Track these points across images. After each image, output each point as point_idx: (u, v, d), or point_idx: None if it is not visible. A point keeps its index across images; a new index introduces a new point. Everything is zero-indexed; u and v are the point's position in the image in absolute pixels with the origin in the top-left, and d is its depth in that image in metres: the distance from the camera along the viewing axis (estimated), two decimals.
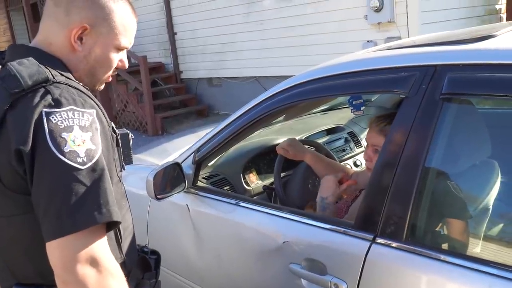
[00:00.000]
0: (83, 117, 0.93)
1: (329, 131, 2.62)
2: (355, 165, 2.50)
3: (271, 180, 2.20)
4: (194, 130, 3.12)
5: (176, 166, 1.72)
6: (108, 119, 1.05)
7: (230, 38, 6.96)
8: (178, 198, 1.80)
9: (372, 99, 2.51)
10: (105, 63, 1.09)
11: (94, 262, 0.89)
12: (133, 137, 1.24)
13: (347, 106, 2.25)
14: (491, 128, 1.38)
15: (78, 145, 0.90)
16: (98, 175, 0.91)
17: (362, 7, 5.31)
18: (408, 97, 1.22)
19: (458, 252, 1.21)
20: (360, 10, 5.34)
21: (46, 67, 0.97)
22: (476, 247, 1.24)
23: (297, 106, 1.80)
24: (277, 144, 2.07)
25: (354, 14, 5.41)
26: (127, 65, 1.16)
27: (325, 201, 1.66)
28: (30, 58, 0.97)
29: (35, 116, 0.90)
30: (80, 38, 1.04)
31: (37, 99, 0.92)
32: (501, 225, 1.33)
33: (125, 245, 1.13)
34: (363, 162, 2.37)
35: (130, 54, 6.76)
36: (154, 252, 1.30)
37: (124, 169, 1.16)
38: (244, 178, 2.18)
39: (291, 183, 2.11)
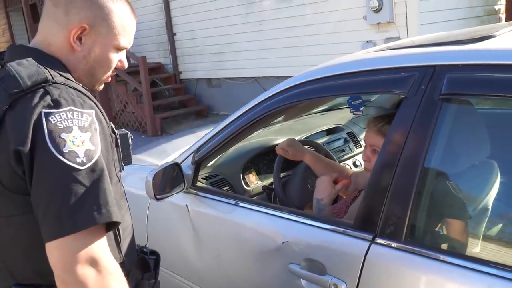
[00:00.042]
0: (82, 117, 0.93)
1: (329, 132, 2.62)
2: (355, 165, 2.50)
3: (271, 180, 2.20)
4: (194, 131, 3.12)
5: (175, 167, 1.72)
6: (107, 120, 1.05)
7: (229, 38, 6.96)
8: (178, 198, 1.80)
9: (372, 100, 2.51)
10: (104, 63, 1.09)
11: (94, 263, 0.89)
12: (132, 137, 1.24)
13: (347, 106, 2.26)
14: (490, 128, 1.38)
15: (78, 146, 0.90)
16: (97, 175, 0.91)
17: (361, 8, 5.31)
18: (407, 97, 1.22)
19: (458, 252, 1.21)
20: (359, 11, 5.35)
21: (45, 68, 0.97)
22: (476, 247, 1.24)
23: (296, 106, 1.81)
24: (277, 145, 2.07)
25: (354, 15, 5.42)
26: (126, 65, 1.16)
27: (321, 202, 1.66)
28: (29, 59, 0.97)
29: (34, 116, 0.90)
30: (79, 38, 1.04)
31: (36, 99, 0.92)
32: (500, 225, 1.34)
33: (124, 246, 1.13)
34: (363, 162, 2.37)
35: (129, 55, 6.76)
36: (153, 253, 1.30)
37: (123, 170, 1.16)
38: (244, 178, 2.18)
39: (290, 183, 2.11)
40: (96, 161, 0.92)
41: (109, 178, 0.95)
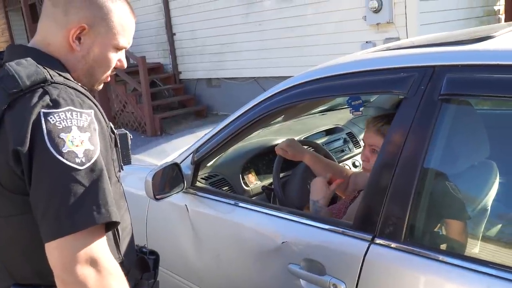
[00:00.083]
0: (81, 117, 0.93)
1: (328, 132, 2.62)
2: (354, 165, 2.50)
3: (270, 180, 2.20)
4: (193, 131, 3.12)
5: (175, 167, 1.72)
6: (106, 120, 1.05)
7: (229, 38, 6.96)
8: (177, 198, 1.79)
9: (371, 100, 2.51)
10: (103, 63, 1.09)
11: (93, 263, 0.89)
12: (131, 137, 1.24)
13: (346, 106, 2.26)
14: (490, 129, 1.38)
15: (77, 146, 0.90)
16: (96, 175, 0.91)
17: (361, 8, 5.31)
18: (406, 97, 1.22)
19: (457, 252, 1.21)
20: (359, 11, 5.35)
21: (44, 68, 0.97)
22: (475, 248, 1.24)
23: (296, 106, 1.81)
24: (276, 145, 2.07)
25: (353, 15, 5.42)
26: (125, 65, 1.16)
27: (317, 204, 1.65)
28: (29, 59, 0.97)
29: (33, 116, 0.90)
30: (79, 38, 1.04)
31: (35, 99, 0.92)
32: (499, 226, 1.34)
33: (123, 246, 1.13)
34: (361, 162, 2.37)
35: (129, 55, 6.76)
36: (152, 253, 1.30)
37: (122, 170, 1.16)
38: (243, 178, 2.19)
39: (290, 183, 2.11)
40: (95, 161, 0.92)
41: (108, 178, 0.95)
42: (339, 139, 2.58)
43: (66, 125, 0.91)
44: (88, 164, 0.90)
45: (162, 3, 7.74)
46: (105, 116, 1.04)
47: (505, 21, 5.75)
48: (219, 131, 1.73)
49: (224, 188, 2.06)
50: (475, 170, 1.36)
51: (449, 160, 1.28)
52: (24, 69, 0.94)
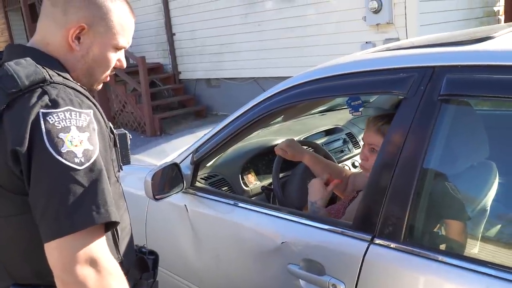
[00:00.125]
0: (80, 117, 0.93)
1: (328, 132, 2.62)
2: (353, 166, 2.50)
3: (270, 180, 2.20)
4: (193, 131, 3.12)
5: (174, 167, 1.72)
6: (105, 119, 1.05)
7: (228, 39, 6.96)
8: (177, 198, 1.79)
9: (371, 100, 2.51)
10: (103, 62, 1.09)
11: (93, 263, 0.89)
12: (131, 137, 1.24)
13: (346, 107, 2.26)
14: (489, 129, 1.39)
15: (76, 146, 0.90)
16: (95, 175, 0.91)
17: (360, 9, 5.31)
18: (406, 98, 1.22)
19: (456, 253, 1.21)
20: (358, 12, 5.35)
21: (43, 67, 0.97)
22: (474, 248, 1.24)
23: (295, 107, 1.81)
24: (276, 145, 2.07)
25: (353, 16, 5.42)
26: (125, 65, 1.15)
27: (314, 205, 1.65)
28: (28, 58, 0.97)
29: (32, 116, 0.90)
30: (78, 38, 1.04)
31: (34, 99, 0.91)
32: (498, 226, 1.34)
33: (122, 246, 1.13)
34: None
35: (128, 55, 6.76)
36: (152, 253, 1.30)
37: (122, 170, 1.16)
38: (243, 178, 2.19)
39: (289, 183, 2.11)
40: (95, 161, 0.92)
41: (107, 178, 0.95)
42: (338, 139, 2.58)
43: (65, 125, 0.91)
44: (87, 164, 0.90)
45: (162, 3, 7.73)
46: (104, 116, 1.04)
47: (505, 22, 5.76)
48: (218, 131, 1.73)
49: (223, 188, 2.06)
50: (475, 171, 1.36)
51: (448, 161, 1.28)
52: (23, 69, 0.94)
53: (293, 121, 2.63)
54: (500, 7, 5.84)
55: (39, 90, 0.93)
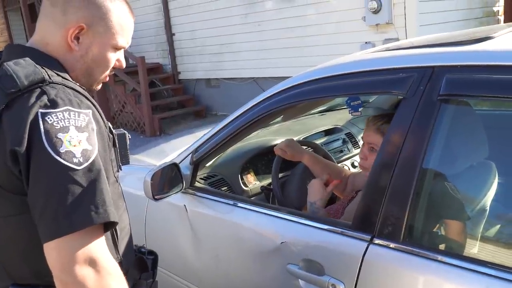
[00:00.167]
0: (79, 117, 0.93)
1: (327, 132, 2.62)
2: (353, 166, 2.50)
3: (269, 180, 2.20)
4: (192, 131, 3.12)
5: (173, 167, 1.72)
6: (105, 119, 1.05)
7: (228, 39, 6.96)
8: (176, 198, 1.79)
9: (370, 100, 2.51)
10: (102, 62, 1.09)
11: (92, 263, 0.89)
12: (130, 137, 1.24)
13: (345, 107, 2.26)
14: (489, 129, 1.39)
15: (74, 146, 0.90)
16: (94, 175, 0.91)
17: (360, 9, 5.32)
18: (406, 98, 1.22)
19: (456, 253, 1.21)
20: (358, 12, 5.35)
21: (42, 67, 0.96)
22: (474, 248, 1.24)
23: (295, 107, 1.80)
24: (275, 145, 2.07)
25: (353, 16, 5.42)
26: (124, 65, 1.15)
27: (314, 205, 1.65)
28: (27, 58, 0.97)
29: (31, 116, 0.89)
30: (77, 38, 1.04)
31: (33, 99, 0.91)
32: (498, 226, 1.34)
33: (121, 246, 1.13)
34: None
35: (128, 55, 6.75)
36: (151, 253, 1.30)
37: (121, 170, 1.16)
38: (242, 178, 2.18)
39: (289, 183, 2.11)
40: (93, 161, 0.92)
41: (106, 178, 0.95)
42: (338, 139, 2.58)
43: (64, 125, 0.90)
44: (86, 164, 0.90)
45: (161, 3, 7.73)
46: (103, 116, 1.04)
47: (504, 22, 5.76)
48: (218, 131, 1.73)
49: (223, 188, 2.06)
50: (474, 171, 1.36)
51: (448, 161, 1.28)
52: (22, 69, 0.93)
53: (293, 121, 2.63)
54: (499, 7, 5.84)
55: (38, 90, 0.93)
